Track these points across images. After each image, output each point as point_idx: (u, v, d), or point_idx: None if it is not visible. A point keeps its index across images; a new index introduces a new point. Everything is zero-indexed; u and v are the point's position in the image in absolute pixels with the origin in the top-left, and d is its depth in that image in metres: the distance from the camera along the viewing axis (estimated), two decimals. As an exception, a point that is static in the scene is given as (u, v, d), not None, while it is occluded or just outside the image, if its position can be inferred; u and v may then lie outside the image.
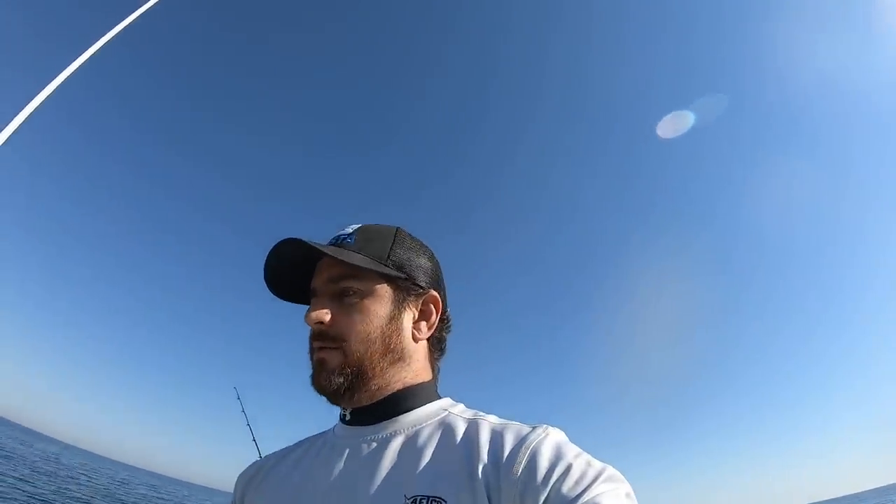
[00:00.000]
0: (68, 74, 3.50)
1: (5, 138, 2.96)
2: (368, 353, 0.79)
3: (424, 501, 0.68)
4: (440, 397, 0.83)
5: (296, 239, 0.79)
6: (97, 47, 3.69)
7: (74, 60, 3.62)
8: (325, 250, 0.78)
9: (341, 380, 0.79)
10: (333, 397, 0.80)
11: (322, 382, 0.79)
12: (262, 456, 0.91)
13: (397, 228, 0.86)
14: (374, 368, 0.80)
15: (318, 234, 0.83)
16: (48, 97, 3.32)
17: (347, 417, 0.81)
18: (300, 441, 0.89)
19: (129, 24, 3.91)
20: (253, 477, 0.85)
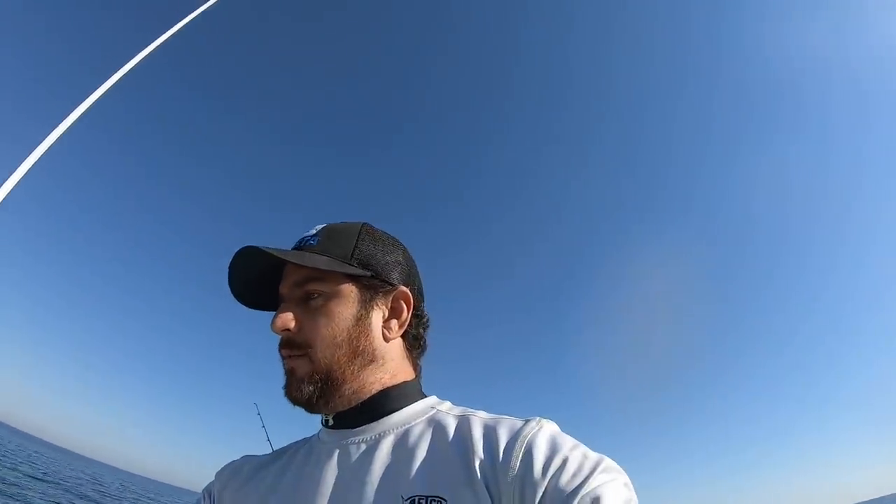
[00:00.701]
0: (97, 98, 3.59)
1: (40, 155, 3.05)
2: (336, 358, 0.77)
3: (423, 501, 0.67)
4: (425, 396, 0.80)
5: (252, 247, 0.76)
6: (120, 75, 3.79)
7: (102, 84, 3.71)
8: (281, 256, 0.76)
9: (311, 388, 0.77)
10: (307, 406, 0.78)
11: (293, 393, 0.77)
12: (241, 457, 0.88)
13: (363, 224, 0.83)
14: (343, 373, 0.77)
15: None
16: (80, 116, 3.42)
17: (330, 422, 0.78)
18: (282, 448, 0.86)
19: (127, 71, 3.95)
20: (231, 478, 0.83)
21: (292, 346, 0.78)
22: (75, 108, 3.45)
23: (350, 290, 0.78)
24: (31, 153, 3.05)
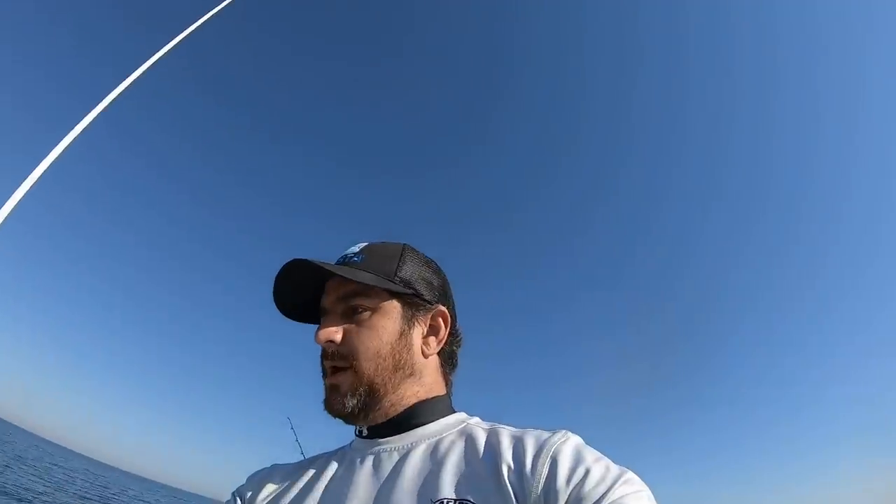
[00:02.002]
0: (113, 98, 3.58)
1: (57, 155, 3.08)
2: (379, 370, 0.79)
3: (451, 503, 0.68)
4: (455, 411, 0.85)
5: (303, 259, 0.79)
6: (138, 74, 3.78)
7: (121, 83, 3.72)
8: (334, 270, 0.78)
9: (354, 401, 0.79)
10: (347, 418, 0.81)
11: (336, 406, 0.79)
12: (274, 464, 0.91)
13: (404, 245, 0.88)
14: (385, 385, 0.79)
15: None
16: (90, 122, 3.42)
17: (365, 433, 0.82)
18: (314, 456, 0.90)
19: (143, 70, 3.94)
20: (263, 482, 0.86)
21: (336, 357, 0.80)
22: (103, 99, 3.51)
23: (393, 307, 0.82)
24: (49, 153, 3.10)
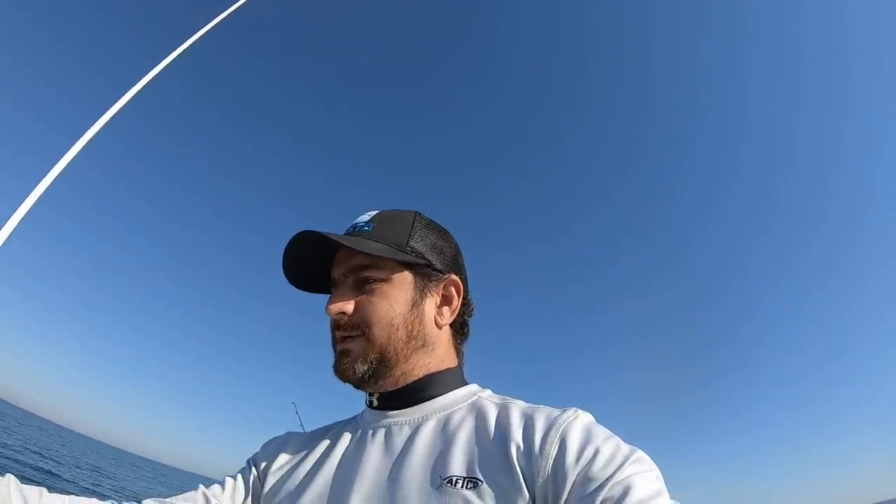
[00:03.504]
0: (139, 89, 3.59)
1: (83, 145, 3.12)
2: (392, 340, 0.78)
3: (460, 482, 0.68)
4: (467, 383, 0.84)
5: (311, 231, 0.78)
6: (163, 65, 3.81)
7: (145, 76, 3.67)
8: (343, 241, 0.77)
9: (365, 367, 0.78)
10: (357, 384, 0.80)
11: (346, 371, 0.79)
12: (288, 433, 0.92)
13: (416, 213, 0.86)
14: (397, 355, 0.79)
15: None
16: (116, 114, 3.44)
17: (375, 403, 0.82)
18: (328, 425, 0.90)
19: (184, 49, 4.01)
20: (278, 451, 0.87)
21: (347, 327, 0.79)
22: (127, 91, 3.51)
23: (405, 277, 0.81)
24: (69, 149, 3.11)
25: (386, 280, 0.80)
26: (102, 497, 0.78)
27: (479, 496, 0.66)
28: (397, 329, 0.78)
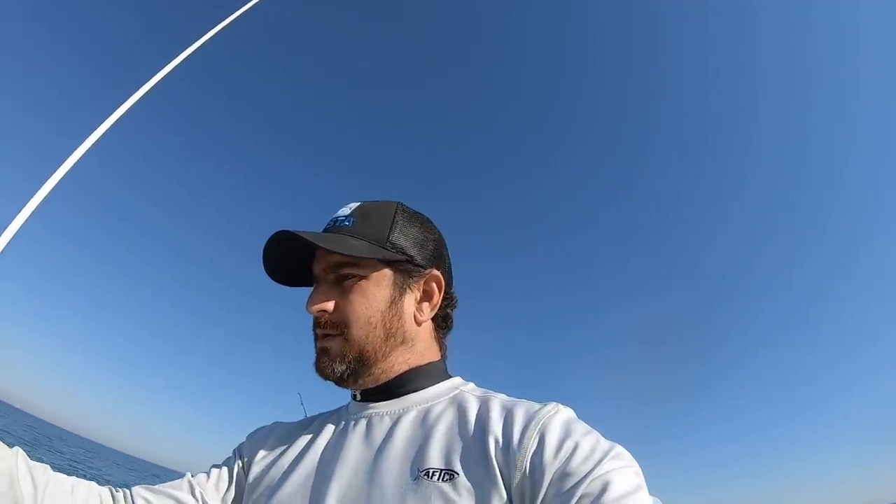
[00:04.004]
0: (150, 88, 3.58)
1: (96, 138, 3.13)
2: (370, 339, 0.79)
3: (437, 474, 0.66)
4: (450, 376, 0.85)
5: (288, 231, 0.78)
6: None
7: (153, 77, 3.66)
8: (319, 242, 0.77)
9: (343, 367, 0.79)
10: (337, 382, 0.81)
11: (325, 370, 0.80)
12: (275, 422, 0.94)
13: (397, 205, 0.86)
14: (375, 353, 0.79)
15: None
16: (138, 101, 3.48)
17: (358, 397, 0.83)
18: (314, 415, 0.92)
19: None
20: (263, 440, 0.88)
21: (327, 325, 0.80)
22: (147, 81, 3.53)
23: (385, 275, 0.81)
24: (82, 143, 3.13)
25: (365, 277, 0.80)
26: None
27: (455, 489, 0.64)
28: (375, 328, 0.79)
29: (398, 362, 0.81)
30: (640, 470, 0.64)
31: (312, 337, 0.83)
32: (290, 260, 0.84)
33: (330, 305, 0.80)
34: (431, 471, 0.67)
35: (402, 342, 0.81)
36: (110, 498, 0.78)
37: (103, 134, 3.18)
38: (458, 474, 0.65)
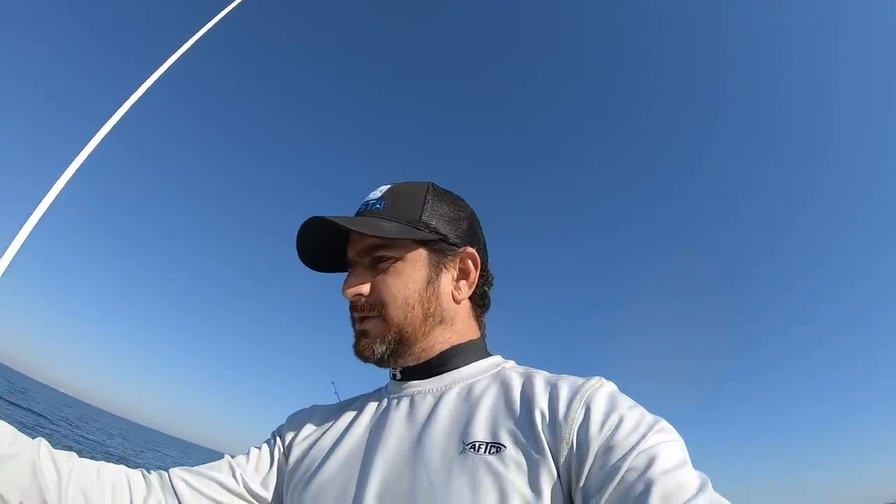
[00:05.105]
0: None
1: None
2: (408, 319, 0.80)
3: (483, 447, 0.67)
4: (490, 354, 0.85)
5: (320, 217, 0.78)
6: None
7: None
8: (352, 226, 0.78)
9: (384, 348, 0.80)
10: (378, 363, 0.82)
11: (365, 352, 0.81)
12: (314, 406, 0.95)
13: (428, 185, 0.86)
14: (415, 333, 0.80)
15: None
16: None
17: (398, 376, 0.84)
18: (353, 398, 0.93)
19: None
20: (303, 422, 0.89)
21: (365, 308, 0.81)
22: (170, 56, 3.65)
23: (420, 255, 0.81)
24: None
25: (400, 259, 0.80)
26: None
27: (502, 461, 0.65)
28: (413, 308, 0.79)
29: (438, 341, 0.82)
30: (683, 444, 0.64)
31: (350, 321, 0.84)
32: (323, 246, 0.85)
33: (366, 288, 0.80)
34: (477, 444, 0.67)
35: (441, 321, 0.82)
36: (142, 480, 0.78)
37: (132, 106, 3.33)
38: (504, 447, 0.66)
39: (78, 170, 2.90)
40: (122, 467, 0.79)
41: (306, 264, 0.87)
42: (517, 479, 0.63)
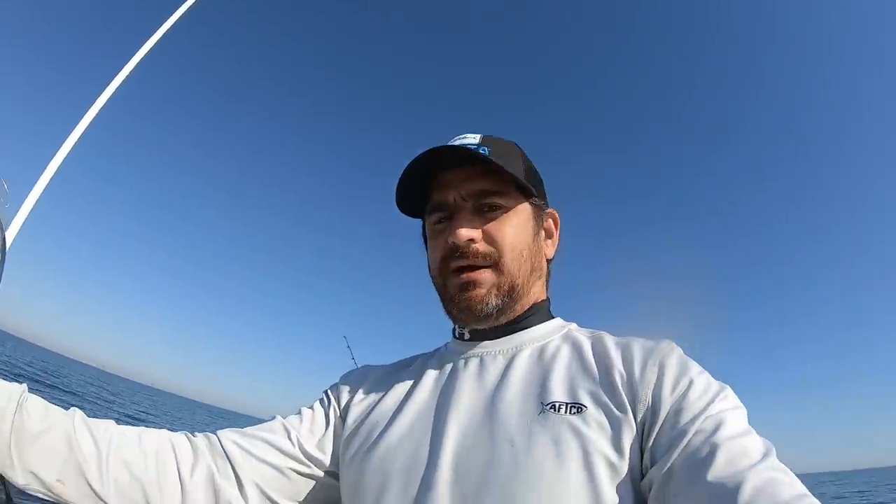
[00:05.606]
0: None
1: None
2: (522, 271, 0.77)
3: (564, 407, 0.66)
4: (553, 316, 0.84)
5: (450, 146, 0.76)
6: None
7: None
8: (500, 163, 0.74)
9: (498, 301, 0.76)
10: (483, 321, 0.78)
11: (476, 305, 0.75)
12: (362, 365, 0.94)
13: (515, 143, 0.86)
14: (524, 287, 0.78)
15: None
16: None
17: (466, 336, 0.81)
18: (408, 358, 0.91)
19: None
20: (363, 379, 0.88)
21: (477, 256, 0.76)
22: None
23: (526, 208, 0.81)
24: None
25: (511, 209, 0.78)
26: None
27: (585, 421, 0.64)
28: (526, 260, 0.78)
29: (531, 298, 0.81)
30: (746, 413, 0.64)
31: (441, 270, 0.79)
32: (417, 185, 0.81)
33: (478, 234, 0.76)
34: (558, 404, 0.66)
35: (539, 277, 0.82)
36: (187, 444, 0.75)
37: (143, 58, 3.09)
38: (585, 407, 0.65)
39: (94, 121, 2.74)
40: (165, 432, 0.75)
41: (402, 205, 0.84)
42: (599, 439, 0.62)
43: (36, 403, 0.65)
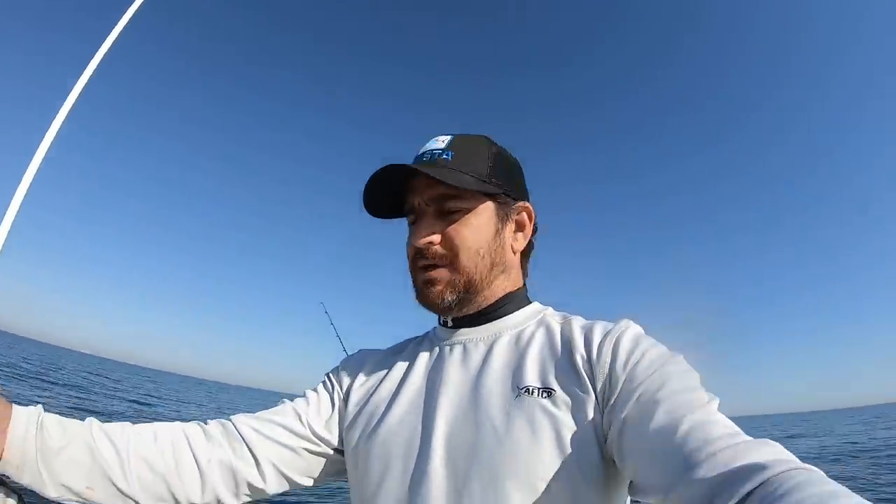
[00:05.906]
0: None
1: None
2: (478, 268, 0.82)
3: (536, 391, 0.73)
4: (531, 302, 0.90)
5: (401, 165, 0.80)
6: None
7: None
8: (441, 178, 0.78)
9: (453, 297, 0.82)
10: (443, 312, 0.86)
11: (433, 300, 0.83)
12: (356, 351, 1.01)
13: (487, 138, 0.89)
14: (482, 282, 0.83)
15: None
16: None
17: (450, 324, 0.88)
18: (401, 343, 0.99)
19: None
20: (362, 364, 0.95)
21: (435, 256, 0.82)
22: None
23: (488, 207, 0.84)
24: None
25: (471, 209, 0.83)
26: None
27: (554, 403, 0.71)
28: (483, 258, 0.82)
29: (497, 290, 0.86)
30: (699, 377, 0.68)
31: (410, 269, 0.86)
32: (385, 193, 0.86)
33: (437, 237, 0.82)
34: (531, 388, 0.73)
35: (503, 271, 0.87)
36: (201, 433, 0.81)
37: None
38: (554, 391, 0.72)
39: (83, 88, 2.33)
40: (178, 424, 0.81)
41: (370, 210, 0.88)
42: (567, 418, 0.70)
43: (53, 421, 0.71)
